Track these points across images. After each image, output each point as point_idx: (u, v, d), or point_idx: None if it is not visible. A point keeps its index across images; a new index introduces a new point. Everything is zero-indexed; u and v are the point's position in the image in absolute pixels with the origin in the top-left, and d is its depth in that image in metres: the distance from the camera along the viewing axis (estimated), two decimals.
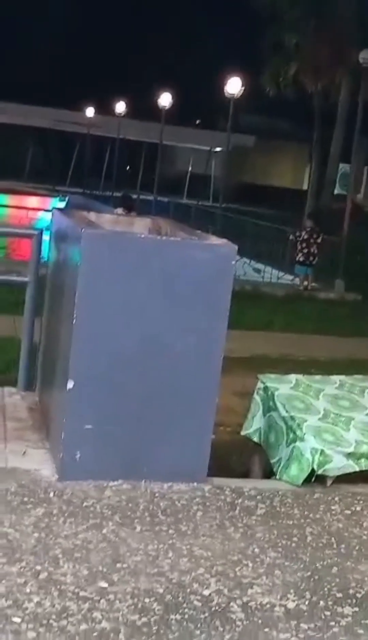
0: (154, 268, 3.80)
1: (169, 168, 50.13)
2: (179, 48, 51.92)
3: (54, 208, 5.29)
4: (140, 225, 5.00)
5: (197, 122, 58.22)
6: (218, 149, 54.53)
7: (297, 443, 4.24)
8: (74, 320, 3.76)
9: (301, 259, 14.91)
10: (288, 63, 24.33)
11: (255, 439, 4.67)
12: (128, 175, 50.25)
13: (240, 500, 3.94)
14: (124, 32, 52.28)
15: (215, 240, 3.99)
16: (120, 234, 4.02)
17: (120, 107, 40.90)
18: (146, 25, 52.67)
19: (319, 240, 14.97)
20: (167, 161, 45.05)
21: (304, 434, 4.24)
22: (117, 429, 3.92)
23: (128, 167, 50.28)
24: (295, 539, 3.58)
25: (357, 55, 15.89)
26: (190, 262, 3.83)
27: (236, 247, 3.86)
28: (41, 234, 4.95)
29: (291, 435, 4.31)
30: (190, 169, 55.22)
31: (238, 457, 4.99)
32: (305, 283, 15.05)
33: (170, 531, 3.50)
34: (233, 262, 3.89)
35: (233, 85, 20.06)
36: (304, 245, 14.88)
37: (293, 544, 3.52)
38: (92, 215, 4.96)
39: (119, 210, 12.86)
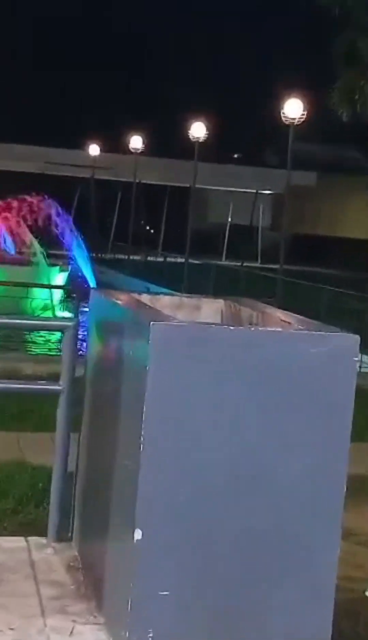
0: (248, 369, 3.81)
1: (201, 220, 50.92)
2: (207, 61, 53.36)
3: (91, 289, 5.36)
4: (211, 310, 5.05)
5: (236, 156, 59.43)
6: (267, 192, 55.59)
7: None
8: (142, 445, 3.76)
9: None
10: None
11: None
12: (146, 231, 51.04)
13: None
14: (132, 42, 53.95)
15: (326, 329, 4.02)
16: (202, 326, 4.06)
17: (136, 142, 41.82)
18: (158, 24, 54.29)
19: None
20: (198, 210, 45.80)
21: None
22: (204, 595, 3.87)
23: (145, 224, 50.99)
24: None
25: None
26: (296, 359, 3.84)
27: (358, 338, 3.88)
28: (76, 325, 5.00)
29: None
30: (229, 219, 56.08)
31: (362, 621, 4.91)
32: None
33: None
34: (356, 358, 3.89)
35: (293, 108, 20.24)
36: None
37: None
38: (145, 298, 5.02)
39: None
